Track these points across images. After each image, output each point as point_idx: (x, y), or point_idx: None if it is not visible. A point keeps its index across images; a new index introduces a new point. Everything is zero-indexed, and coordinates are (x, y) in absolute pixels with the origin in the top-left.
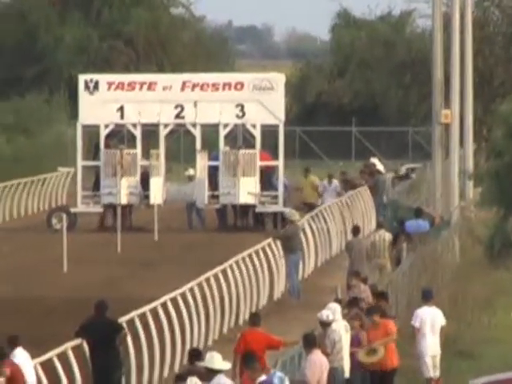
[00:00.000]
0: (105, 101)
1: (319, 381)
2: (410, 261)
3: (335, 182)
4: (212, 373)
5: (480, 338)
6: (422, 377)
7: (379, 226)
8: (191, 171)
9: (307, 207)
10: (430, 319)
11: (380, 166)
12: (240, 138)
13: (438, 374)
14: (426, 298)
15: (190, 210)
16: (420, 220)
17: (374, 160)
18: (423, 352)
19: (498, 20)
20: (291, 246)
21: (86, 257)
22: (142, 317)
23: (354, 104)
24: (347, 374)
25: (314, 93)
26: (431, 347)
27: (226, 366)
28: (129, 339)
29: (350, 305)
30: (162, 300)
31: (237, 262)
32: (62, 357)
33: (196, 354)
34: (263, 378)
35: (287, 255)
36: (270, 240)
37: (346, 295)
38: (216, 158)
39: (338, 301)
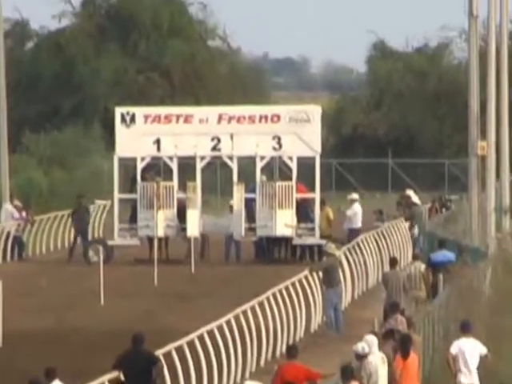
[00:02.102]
0: (141, 133)
1: None
2: (447, 292)
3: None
4: None
5: None
6: None
7: (415, 257)
8: (233, 202)
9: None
10: (469, 350)
11: (415, 198)
12: (276, 170)
13: None
14: (465, 329)
15: (229, 242)
16: (444, 250)
17: (410, 192)
18: (461, 383)
19: None
20: (330, 279)
21: (122, 289)
22: (179, 349)
23: (390, 136)
24: None
25: (350, 125)
26: (469, 378)
27: None
28: (166, 372)
29: (386, 337)
30: (198, 332)
31: (274, 294)
32: None
33: None
34: None
35: (326, 288)
36: (306, 272)
37: (382, 327)
38: (253, 191)
39: (374, 333)
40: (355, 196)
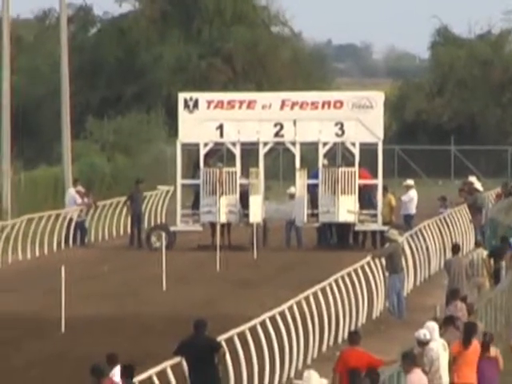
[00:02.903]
0: (204, 119)
1: None
2: (509, 280)
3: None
4: None
5: None
6: None
7: (477, 244)
8: (293, 189)
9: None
10: None
11: (478, 185)
12: (339, 156)
13: None
14: None
15: (289, 228)
16: None
17: (472, 178)
18: None
19: None
20: (394, 266)
21: (184, 275)
22: (241, 335)
23: (452, 123)
24: None
25: (412, 111)
26: None
27: (324, 383)
28: (228, 358)
29: (446, 323)
30: (261, 319)
31: (336, 281)
32: (162, 375)
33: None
34: None
35: (389, 274)
36: (369, 258)
37: (444, 314)
38: (315, 176)
39: (435, 319)
40: (411, 182)
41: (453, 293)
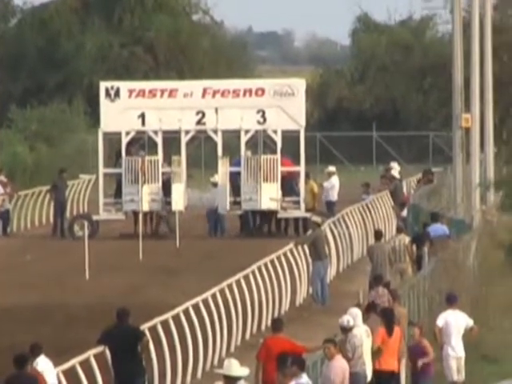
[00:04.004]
0: (126, 108)
1: None
2: (432, 265)
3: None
4: (231, 380)
5: (503, 342)
6: (446, 380)
7: (399, 230)
8: (216, 177)
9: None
10: (455, 322)
11: (395, 172)
12: (261, 143)
13: (462, 377)
14: (451, 301)
15: (212, 216)
16: (439, 224)
17: (394, 165)
18: (448, 355)
19: None
20: (318, 252)
21: (107, 264)
22: (164, 323)
23: (374, 109)
24: (369, 379)
25: (334, 98)
26: (456, 350)
27: (245, 372)
28: (151, 346)
29: (367, 310)
30: (184, 306)
31: (259, 268)
32: (85, 364)
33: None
34: (293, 383)
35: (313, 261)
36: (292, 245)
37: (367, 300)
38: (238, 164)
39: (358, 306)
40: (332, 169)
41: (376, 279)
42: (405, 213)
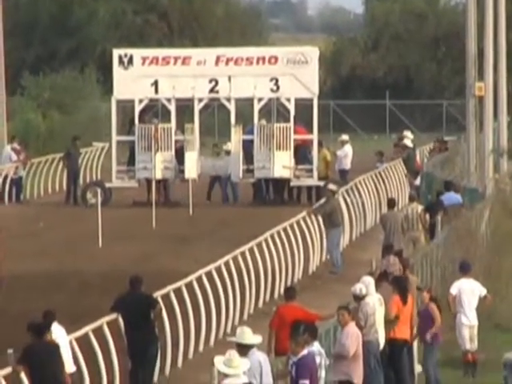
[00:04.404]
0: (139, 76)
1: (355, 353)
2: (445, 234)
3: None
4: (244, 348)
5: None
6: (459, 349)
7: (411, 199)
8: (229, 145)
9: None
10: (469, 290)
11: (407, 141)
12: (274, 111)
13: (475, 346)
14: (464, 270)
15: (225, 184)
16: (452, 193)
17: (407, 133)
18: (461, 323)
19: None
20: (332, 220)
21: (120, 232)
22: (178, 291)
23: (388, 77)
24: (382, 347)
25: (347, 66)
26: (469, 318)
27: (257, 339)
28: (164, 314)
29: (379, 279)
30: (197, 274)
31: (272, 236)
32: (98, 332)
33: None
34: (305, 351)
35: (328, 229)
36: (304, 213)
37: (379, 269)
38: (251, 132)
39: (371, 274)
40: (345, 137)
41: (387, 248)
42: (418, 181)
